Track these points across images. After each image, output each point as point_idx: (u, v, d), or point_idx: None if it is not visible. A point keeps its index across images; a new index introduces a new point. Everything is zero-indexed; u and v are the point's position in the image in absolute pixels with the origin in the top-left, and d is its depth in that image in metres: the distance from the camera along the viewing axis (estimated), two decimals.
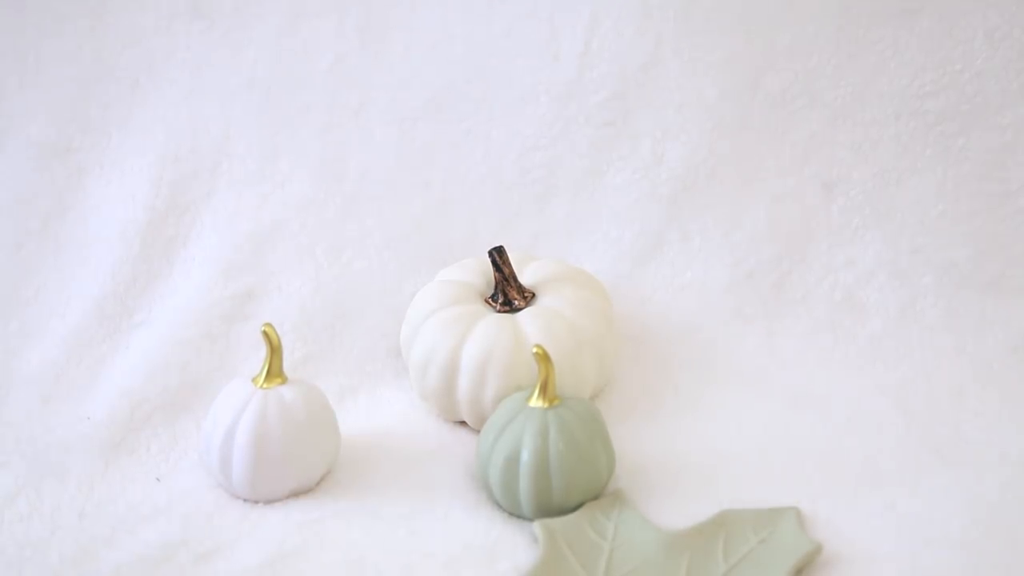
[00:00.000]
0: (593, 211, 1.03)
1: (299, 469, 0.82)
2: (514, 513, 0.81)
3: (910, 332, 0.97)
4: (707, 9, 1.03)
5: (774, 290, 1.00)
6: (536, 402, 0.81)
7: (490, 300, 0.91)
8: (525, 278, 0.93)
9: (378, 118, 1.05)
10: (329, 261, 1.01)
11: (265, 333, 0.83)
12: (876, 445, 0.86)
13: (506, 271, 0.90)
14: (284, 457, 0.81)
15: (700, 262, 1.01)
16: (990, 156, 1.00)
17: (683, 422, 0.90)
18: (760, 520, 0.78)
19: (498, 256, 0.90)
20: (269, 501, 0.82)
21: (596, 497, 0.81)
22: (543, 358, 0.81)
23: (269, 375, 0.83)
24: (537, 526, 0.78)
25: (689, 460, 0.85)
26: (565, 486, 0.79)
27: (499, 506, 0.82)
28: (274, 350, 0.83)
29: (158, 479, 0.86)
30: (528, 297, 0.91)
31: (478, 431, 0.88)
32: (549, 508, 0.79)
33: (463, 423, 0.90)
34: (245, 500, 0.83)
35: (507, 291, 0.90)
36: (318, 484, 0.84)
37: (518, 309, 0.90)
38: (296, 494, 0.83)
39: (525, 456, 0.79)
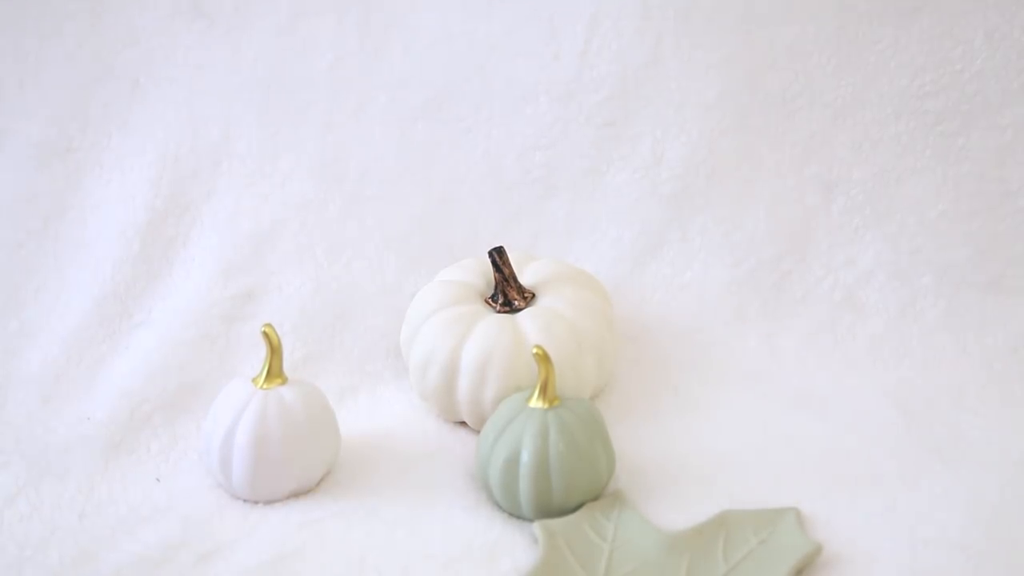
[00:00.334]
0: (593, 211, 1.03)
1: (299, 469, 0.82)
2: (514, 514, 0.81)
3: (910, 332, 0.97)
4: (707, 9, 1.03)
5: (774, 290, 1.00)
6: (536, 403, 0.81)
7: (490, 300, 0.91)
8: (525, 278, 0.93)
9: (378, 118, 1.05)
10: (329, 261, 1.01)
11: (265, 333, 0.83)
12: (876, 445, 0.86)
13: (506, 271, 0.90)
14: (284, 457, 0.81)
15: (700, 262, 1.01)
16: (990, 156, 1.00)
17: (683, 422, 0.90)
18: (760, 520, 0.78)
19: (498, 256, 0.90)
20: (269, 501, 0.82)
21: (596, 498, 0.81)
22: (543, 359, 0.81)
23: (269, 375, 0.83)
24: (537, 527, 0.78)
25: (689, 460, 0.85)
26: (565, 487, 0.79)
27: (499, 507, 0.82)
28: (274, 350, 0.83)
29: (158, 479, 0.86)
30: (528, 297, 0.91)
31: (478, 431, 0.88)
32: (549, 509, 0.79)
33: (463, 423, 0.91)
34: (245, 500, 0.83)
35: (507, 291, 0.90)
36: (318, 484, 0.84)
37: (518, 309, 0.90)
38: (296, 494, 0.83)
39: (525, 457, 0.79)
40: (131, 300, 0.99)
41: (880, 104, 1.02)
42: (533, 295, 0.91)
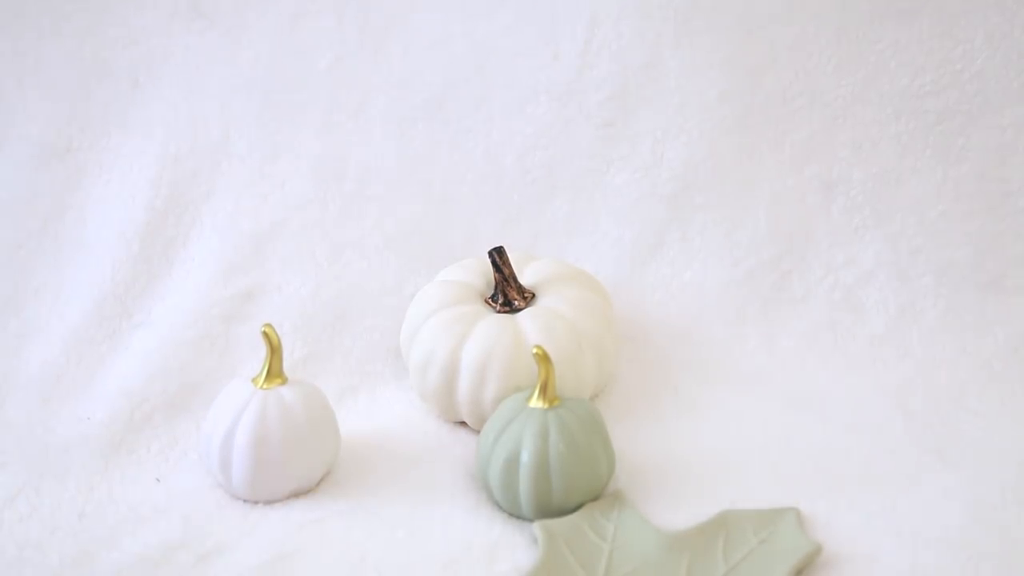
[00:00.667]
0: (593, 211, 1.03)
1: (299, 470, 0.82)
2: (514, 514, 0.81)
3: (910, 332, 0.97)
4: (707, 9, 1.03)
5: (774, 290, 1.00)
6: (536, 403, 0.81)
7: (490, 300, 0.91)
8: (525, 278, 0.93)
9: (378, 118, 1.05)
10: (329, 261, 1.01)
11: (265, 333, 0.83)
12: (876, 445, 0.86)
13: (506, 271, 0.90)
14: (284, 458, 0.81)
15: (700, 262, 1.01)
16: (990, 156, 1.00)
17: (683, 422, 0.90)
18: (760, 520, 0.78)
19: (498, 256, 0.90)
20: (269, 502, 0.82)
21: (596, 498, 0.81)
22: (543, 359, 0.81)
23: (269, 375, 0.83)
24: (537, 527, 0.78)
25: (689, 460, 0.85)
26: (565, 487, 0.79)
27: (499, 507, 0.82)
28: (274, 350, 0.83)
29: (158, 479, 0.86)
30: (528, 297, 0.91)
31: (478, 431, 0.88)
32: (549, 509, 0.79)
33: (463, 423, 0.90)
34: (245, 501, 0.83)
35: (507, 291, 0.90)
36: (318, 484, 0.84)
37: (518, 309, 0.90)
38: (296, 495, 0.83)
39: (525, 457, 0.79)
40: (131, 300, 0.99)
41: (880, 104, 1.02)
42: (533, 295, 0.91)
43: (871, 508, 0.80)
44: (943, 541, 0.77)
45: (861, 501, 0.81)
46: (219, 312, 0.98)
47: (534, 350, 0.81)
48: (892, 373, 0.94)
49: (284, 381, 0.83)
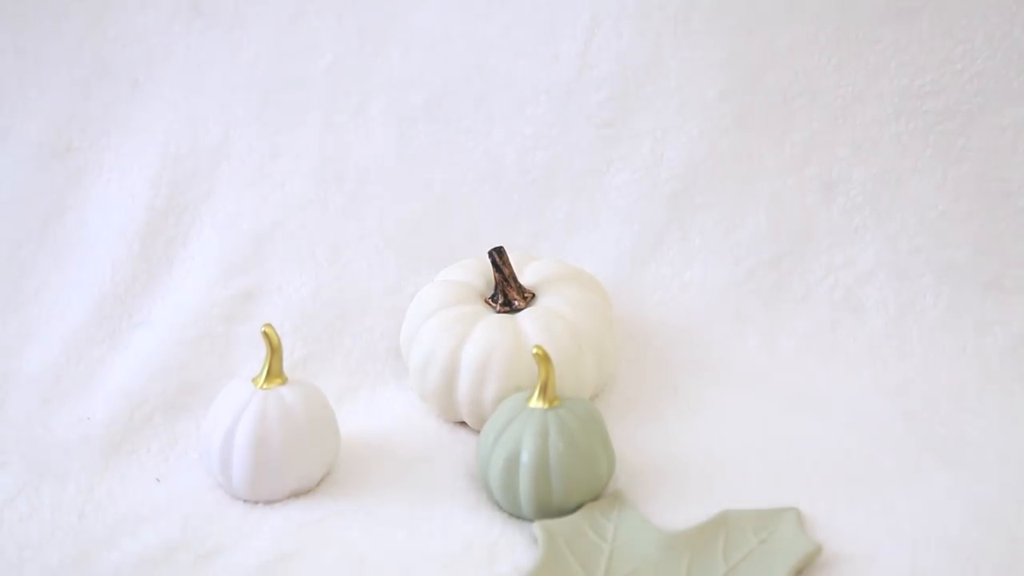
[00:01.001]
0: (593, 211, 1.03)
1: (299, 470, 0.82)
2: (514, 514, 0.81)
3: (910, 332, 0.97)
4: (707, 9, 1.03)
5: (774, 290, 1.00)
6: (536, 403, 0.81)
7: (490, 300, 0.91)
8: (525, 278, 0.93)
9: (378, 118, 1.05)
10: (329, 261, 1.01)
11: (265, 333, 0.83)
12: (876, 445, 0.86)
13: (506, 271, 0.90)
14: (284, 458, 0.81)
15: (700, 262, 1.01)
16: (990, 156, 1.00)
17: (683, 422, 0.90)
18: (760, 520, 0.78)
19: (498, 256, 0.90)
20: (269, 502, 0.82)
21: (596, 498, 0.81)
22: (543, 359, 0.80)
23: (269, 375, 0.83)
24: (537, 527, 0.78)
25: (689, 460, 0.85)
26: (565, 487, 0.79)
27: (499, 506, 0.82)
28: (274, 350, 0.83)
29: (158, 479, 0.86)
30: (528, 297, 0.91)
31: (478, 431, 0.88)
32: (549, 509, 0.79)
33: (463, 423, 0.90)
34: (245, 501, 0.83)
35: (507, 291, 0.90)
36: (318, 484, 0.84)
37: (518, 309, 0.90)
38: (296, 495, 0.83)
39: (525, 457, 0.79)
40: (131, 300, 0.99)
41: (880, 104, 1.02)
42: (533, 295, 0.91)
43: (871, 508, 0.80)
44: (943, 541, 0.77)
45: (861, 501, 0.81)
46: (219, 312, 0.98)
47: (534, 350, 0.81)
48: (892, 373, 0.94)
49: (284, 381, 0.83)
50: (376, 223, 1.03)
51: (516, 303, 0.90)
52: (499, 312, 0.90)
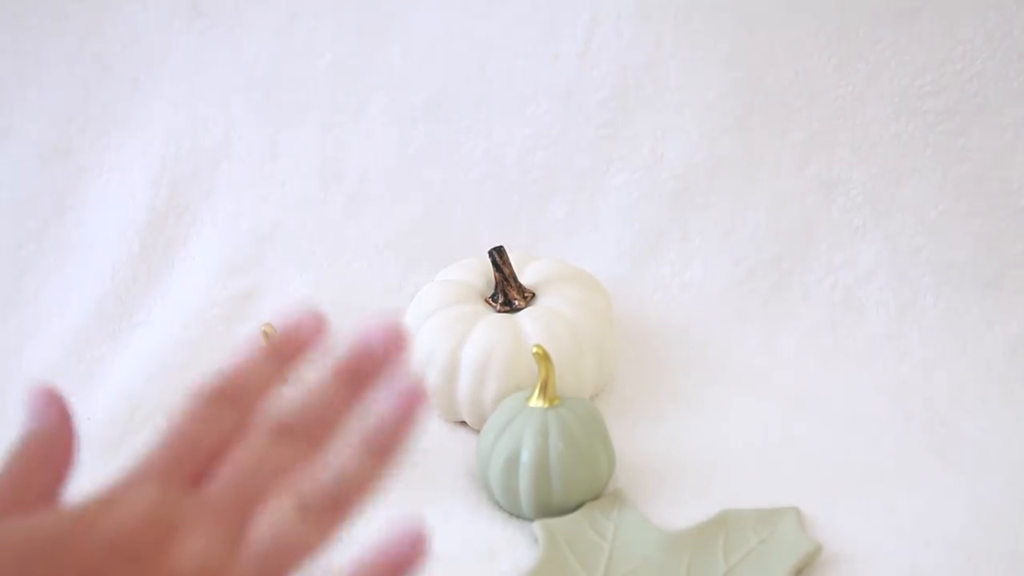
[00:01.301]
0: (593, 211, 1.03)
1: None
2: (514, 513, 0.81)
3: (910, 332, 0.97)
4: (707, 9, 1.03)
5: (774, 290, 1.00)
6: (536, 402, 0.81)
7: (490, 300, 0.91)
8: (525, 278, 0.93)
9: (378, 118, 1.05)
10: (329, 261, 1.01)
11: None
12: (876, 445, 0.86)
13: (506, 271, 0.90)
14: None
15: (700, 262, 1.01)
16: (990, 156, 1.00)
17: (683, 422, 0.90)
18: (760, 520, 0.78)
19: (498, 256, 0.90)
20: None
21: (596, 497, 0.81)
22: (543, 358, 0.80)
23: None
24: (537, 526, 0.78)
25: (689, 460, 0.85)
26: (565, 486, 0.79)
27: (499, 506, 0.82)
28: None
29: None
30: (528, 297, 0.91)
31: (478, 431, 0.87)
32: (549, 508, 0.79)
33: (463, 423, 0.90)
34: None
35: (507, 291, 0.90)
36: None
37: (518, 309, 0.90)
38: None
39: (525, 456, 0.79)
40: (131, 300, 0.99)
41: (880, 104, 1.02)
42: (533, 295, 0.91)
43: (871, 508, 0.80)
44: (943, 541, 0.77)
45: (861, 501, 0.81)
46: (219, 312, 0.98)
47: (534, 349, 0.81)
48: (892, 373, 0.94)
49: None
50: (376, 223, 1.03)
51: (516, 303, 0.90)
52: (499, 312, 0.90)
